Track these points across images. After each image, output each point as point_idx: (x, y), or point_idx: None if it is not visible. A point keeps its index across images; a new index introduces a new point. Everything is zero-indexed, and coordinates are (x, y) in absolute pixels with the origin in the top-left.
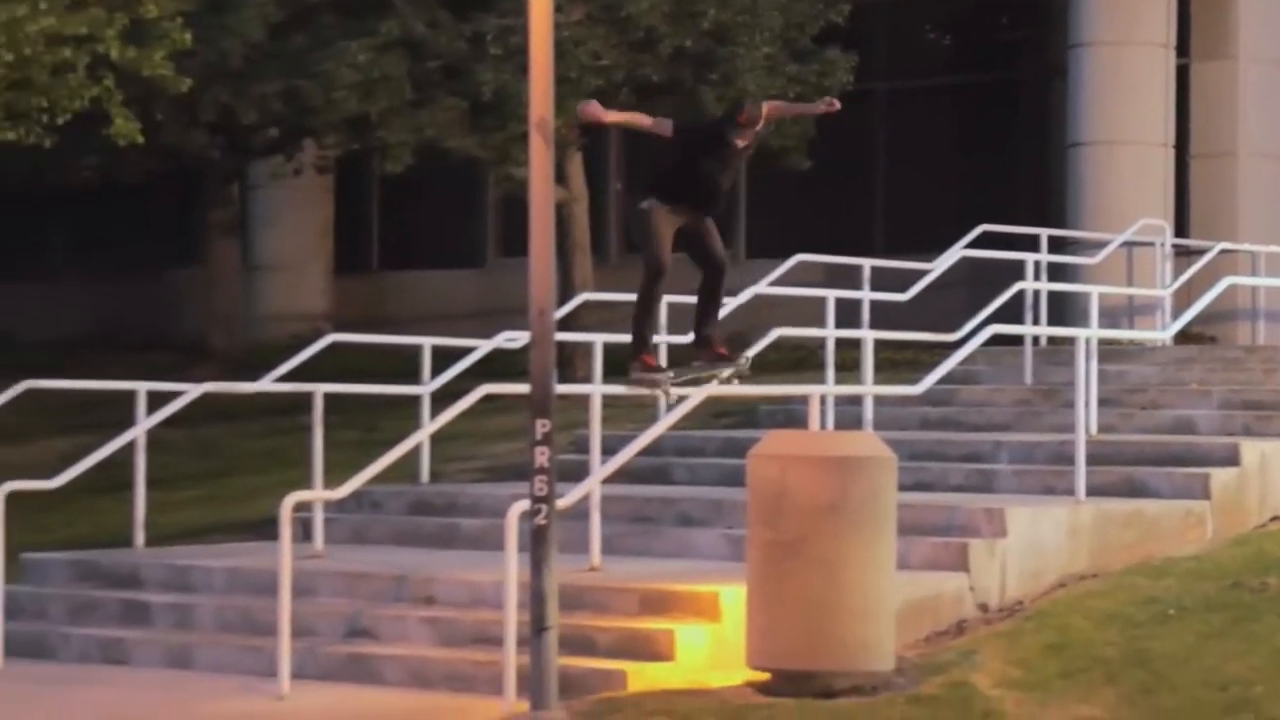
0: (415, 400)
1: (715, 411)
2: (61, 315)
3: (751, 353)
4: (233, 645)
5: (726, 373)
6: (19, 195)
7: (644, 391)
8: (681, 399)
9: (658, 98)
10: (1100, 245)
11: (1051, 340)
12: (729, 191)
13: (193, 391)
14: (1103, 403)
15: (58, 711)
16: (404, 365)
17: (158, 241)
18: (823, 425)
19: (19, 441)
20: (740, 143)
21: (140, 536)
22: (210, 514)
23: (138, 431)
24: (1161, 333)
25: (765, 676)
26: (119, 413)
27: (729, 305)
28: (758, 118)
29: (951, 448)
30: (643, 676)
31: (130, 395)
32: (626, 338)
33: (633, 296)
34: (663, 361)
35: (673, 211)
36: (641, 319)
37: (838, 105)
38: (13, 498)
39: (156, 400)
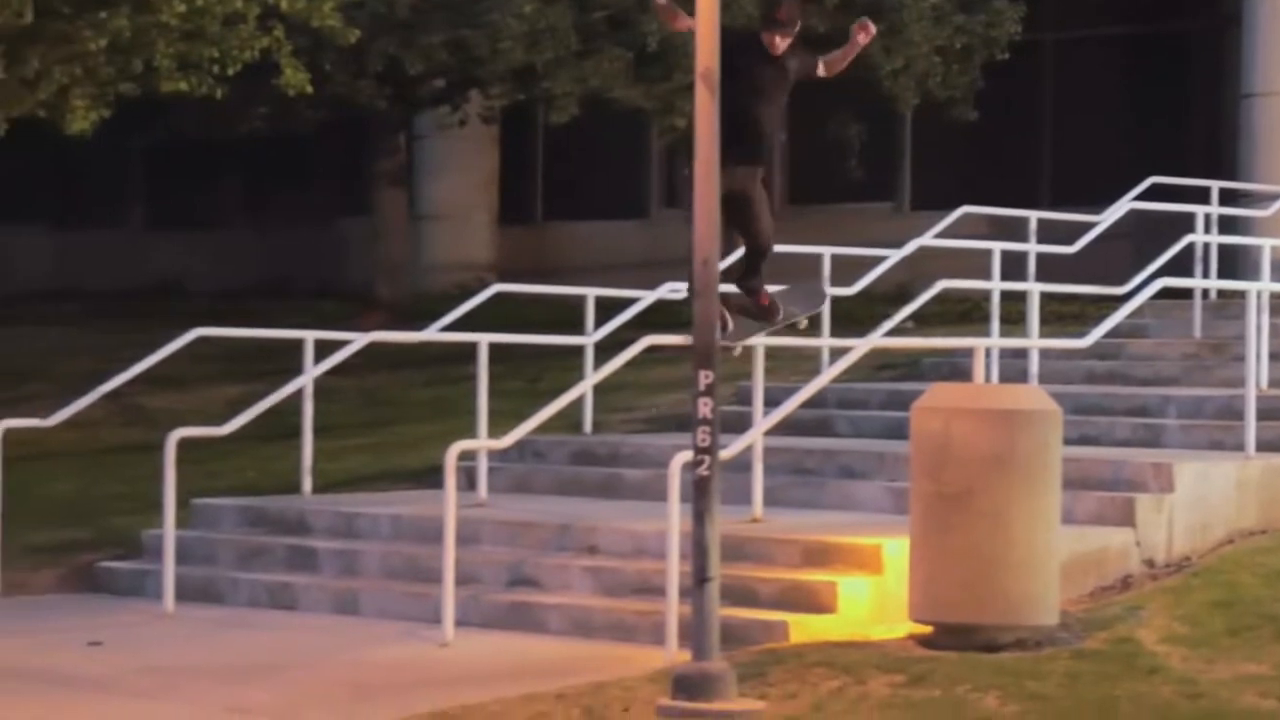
0: (579, 351)
1: (879, 364)
2: (231, 264)
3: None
4: (398, 592)
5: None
6: (190, 145)
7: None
8: (845, 350)
9: (823, 49)
10: (1273, 197)
11: (1221, 294)
12: (774, 132)
13: (359, 340)
14: (1274, 357)
15: (227, 654)
16: (568, 316)
17: (326, 191)
18: (987, 378)
19: (189, 388)
20: (780, 40)
21: (308, 483)
22: (376, 462)
23: (305, 379)
24: None
25: (928, 629)
26: (287, 361)
27: (893, 257)
28: (796, 17)
29: (1118, 402)
30: (805, 628)
31: (298, 343)
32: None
33: (796, 249)
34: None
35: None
36: None
37: (872, 29)
38: (183, 444)
39: (324, 349)
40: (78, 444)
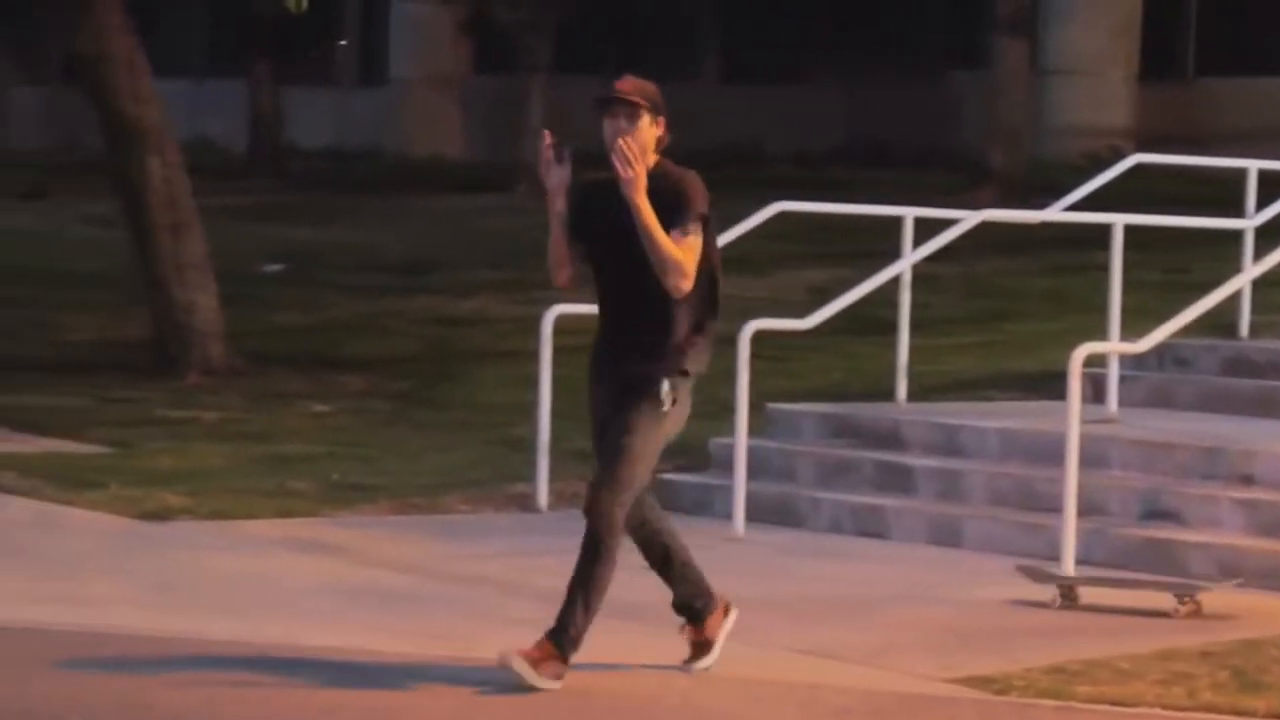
0: (1235, 236)
1: None
2: (816, 124)
3: None
4: (1006, 521)
5: None
6: None
7: None
8: None
9: None
10: None
11: None
12: None
13: (969, 219)
14: None
15: (802, 586)
16: (1222, 193)
17: (931, 40)
18: None
19: (767, 272)
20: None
21: (902, 389)
22: (983, 364)
23: (903, 265)
24: None
25: None
26: (880, 241)
27: None
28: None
29: None
30: None
31: (895, 221)
32: None
33: None
34: None
35: None
36: None
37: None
38: (759, 338)
39: (925, 228)
40: None
